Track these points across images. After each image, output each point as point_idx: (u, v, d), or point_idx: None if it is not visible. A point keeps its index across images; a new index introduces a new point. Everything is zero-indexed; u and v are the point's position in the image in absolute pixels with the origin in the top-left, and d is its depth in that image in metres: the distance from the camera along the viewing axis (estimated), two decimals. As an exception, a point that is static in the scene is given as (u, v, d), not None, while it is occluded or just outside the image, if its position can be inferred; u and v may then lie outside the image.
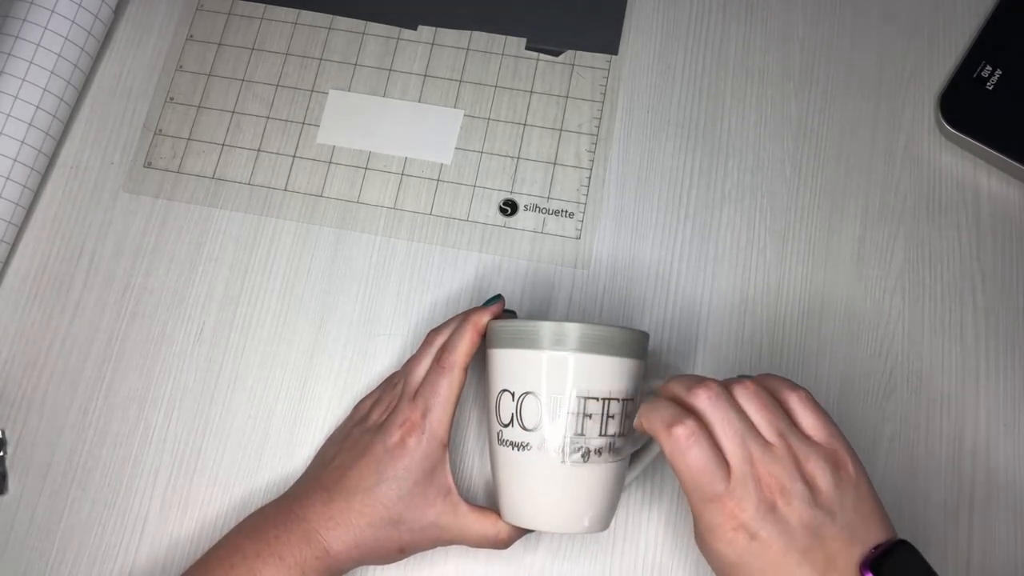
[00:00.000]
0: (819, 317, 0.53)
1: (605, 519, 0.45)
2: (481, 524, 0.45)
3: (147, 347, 0.54)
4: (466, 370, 0.46)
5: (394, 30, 0.60)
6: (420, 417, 0.45)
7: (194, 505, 0.51)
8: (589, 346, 0.43)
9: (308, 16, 0.61)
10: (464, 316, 0.47)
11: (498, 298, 0.48)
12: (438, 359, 0.46)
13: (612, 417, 0.43)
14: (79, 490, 0.51)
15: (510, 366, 0.44)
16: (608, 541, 0.49)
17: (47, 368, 0.54)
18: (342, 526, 0.44)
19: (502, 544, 0.46)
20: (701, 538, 0.39)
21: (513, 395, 0.44)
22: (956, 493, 0.49)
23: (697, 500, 0.38)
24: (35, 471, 0.52)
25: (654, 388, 0.46)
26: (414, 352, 0.49)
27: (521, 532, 0.46)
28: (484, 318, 0.46)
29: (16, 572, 0.50)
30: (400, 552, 0.45)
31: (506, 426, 0.44)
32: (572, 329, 0.43)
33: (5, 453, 0.52)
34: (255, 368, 0.53)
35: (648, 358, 0.46)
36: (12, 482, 0.52)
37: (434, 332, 0.48)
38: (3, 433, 0.52)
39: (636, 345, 0.44)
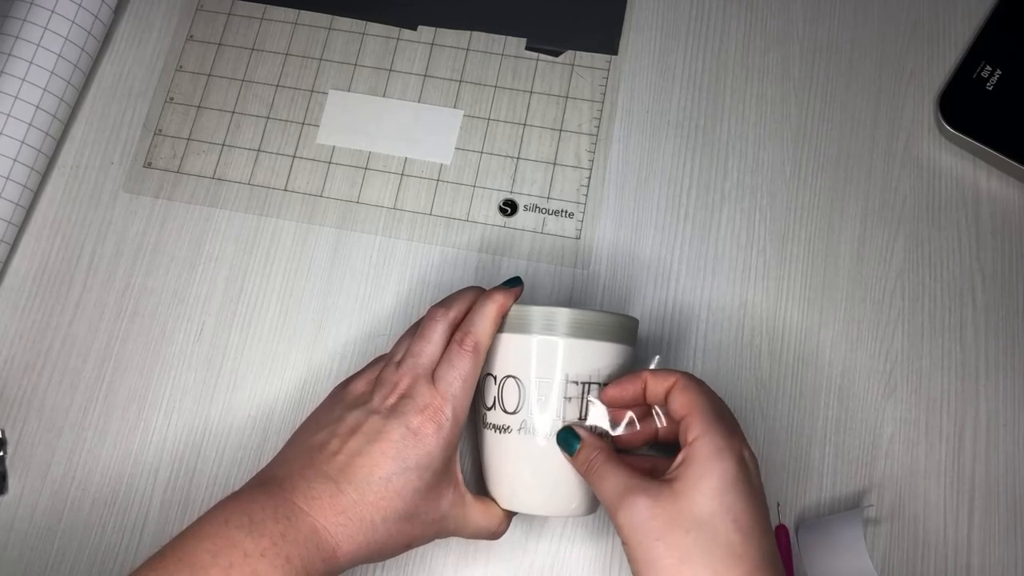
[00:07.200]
0: (819, 317, 0.53)
1: (589, 503, 0.44)
2: (483, 515, 0.44)
3: (147, 347, 0.54)
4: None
5: (394, 30, 0.60)
6: (443, 402, 0.41)
7: (194, 505, 0.51)
8: (567, 331, 0.43)
9: (308, 16, 0.61)
10: (480, 294, 0.45)
11: (519, 281, 0.46)
12: (460, 341, 0.43)
13: (592, 402, 0.43)
14: (79, 490, 0.51)
15: (494, 350, 0.45)
16: (606, 528, 0.49)
17: (47, 368, 0.54)
18: (355, 522, 0.39)
19: (498, 534, 0.45)
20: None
21: (495, 379, 0.44)
22: (956, 493, 0.49)
23: None
24: (35, 471, 0.52)
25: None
26: (414, 328, 0.46)
27: (509, 521, 0.46)
28: (509, 301, 0.44)
29: (16, 572, 0.50)
30: (406, 547, 0.42)
31: (489, 409, 0.44)
32: (553, 314, 0.43)
33: (5, 453, 0.52)
34: (255, 368, 0.53)
35: (638, 343, 0.46)
36: (12, 482, 0.52)
37: (441, 308, 0.44)
38: (3, 433, 0.52)
39: (618, 330, 0.44)
